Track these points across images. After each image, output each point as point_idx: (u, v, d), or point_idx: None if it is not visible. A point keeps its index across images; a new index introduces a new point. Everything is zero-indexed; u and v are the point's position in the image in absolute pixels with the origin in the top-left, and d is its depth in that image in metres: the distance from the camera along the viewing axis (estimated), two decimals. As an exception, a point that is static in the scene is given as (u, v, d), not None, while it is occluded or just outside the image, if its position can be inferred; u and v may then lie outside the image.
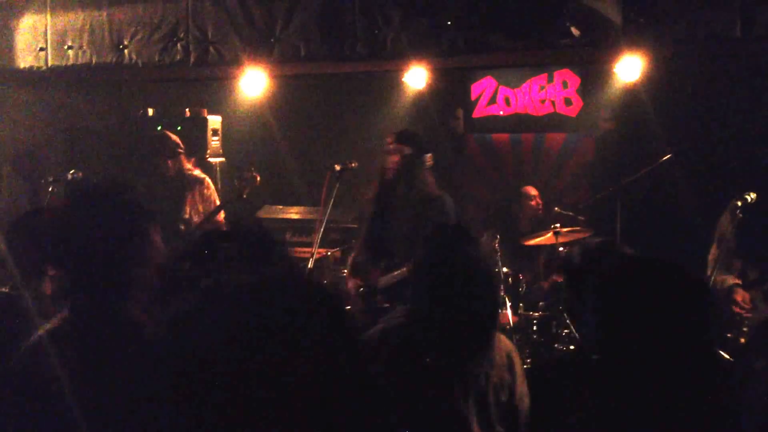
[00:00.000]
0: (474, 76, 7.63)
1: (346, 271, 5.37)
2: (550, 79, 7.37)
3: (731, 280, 4.59)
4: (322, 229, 4.99)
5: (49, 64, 7.19)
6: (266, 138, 7.71)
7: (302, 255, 5.26)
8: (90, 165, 6.77)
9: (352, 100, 7.73)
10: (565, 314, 5.26)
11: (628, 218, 5.65)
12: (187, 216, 5.56)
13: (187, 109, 7.07)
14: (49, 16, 7.13)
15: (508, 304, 5.00)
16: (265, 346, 0.89)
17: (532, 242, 5.79)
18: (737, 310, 4.50)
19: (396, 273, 4.54)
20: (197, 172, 5.84)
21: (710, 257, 4.79)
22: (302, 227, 6.64)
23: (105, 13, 6.96)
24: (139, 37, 6.88)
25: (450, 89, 7.61)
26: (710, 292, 2.89)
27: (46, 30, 7.15)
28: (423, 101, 7.20)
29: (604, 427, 1.96)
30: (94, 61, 7.03)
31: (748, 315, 4.51)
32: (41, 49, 7.18)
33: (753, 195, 4.63)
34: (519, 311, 5.24)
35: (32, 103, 7.72)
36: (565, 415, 2.04)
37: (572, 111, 7.33)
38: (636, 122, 6.74)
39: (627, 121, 6.90)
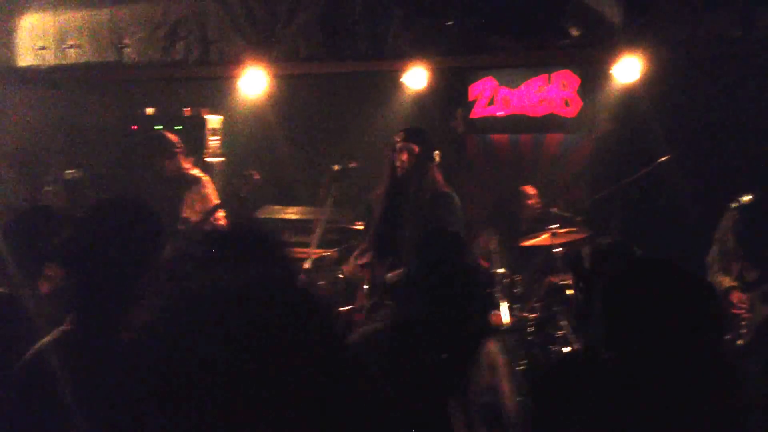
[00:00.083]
0: (473, 76, 7.63)
1: (344, 267, 5.38)
2: (549, 80, 7.36)
3: (728, 282, 4.60)
4: (320, 230, 5.00)
5: (50, 63, 7.19)
6: (266, 137, 7.71)
7: (300, 255, 5.26)
8: (89, 164, 6.78)
9: (351, 100, 7.73)
10: (557, 316, 5.27)
11: (626, 219, 5.66)
12: (185, 215, 5.56)
13: (186, 109, 7.07)
14: (49, 15, 7.14)
15: (504, 304, 5.00)
16: (242, 350, 0.88)
17: (528, 243, 5.79)
18: (735, 311, 4.51)
19: (404, 270, 4.54)
20: (195, 172, 5.84)
21: (709, 259, 4.79)
22: (301, 227, 6.64)
23: (106, 12, 6.97)
24: (139, 36, 6.88)
25: (449, 89, 7.61)
26: (717, 294, 2.91)
27: (46, 29, 7.15)
28: (422, 101, 7.20)
29: (612, 427, 1.97)
30: (94, 60, 7.04)
31: (746, 316, 4.52)
32: (41, 48, 7.18)
33: (750, 196, 4.64)
34: (515, 312, 5.23)
35: (32, 102, 7.73)
36: (568, 414, 2.04)
37: (571, 112, 7.33)
38: (635, 123, 6.74)
39: (626, 122, 6.90)
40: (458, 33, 5.91)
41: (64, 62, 7.14)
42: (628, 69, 5.98)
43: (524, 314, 5.37)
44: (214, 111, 7.23)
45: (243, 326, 0.90)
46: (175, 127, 6.51)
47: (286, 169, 7.49)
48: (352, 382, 0.95)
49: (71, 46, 7.09)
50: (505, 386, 2.68)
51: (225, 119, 7.28)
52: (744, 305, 4.51)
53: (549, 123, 7.43)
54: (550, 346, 5.23)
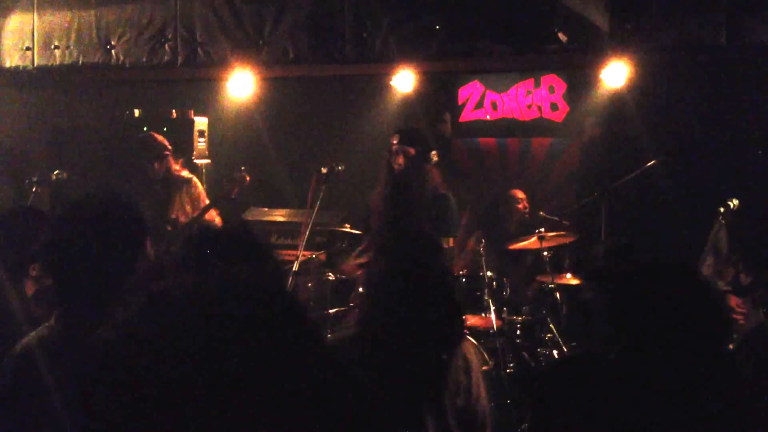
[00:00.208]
0: (461, 80, 7.65)
1: (344, 267, 5.38)
2: (537, 84, 7.40)
3: (722, 287, 4.61)
4: (308, 232, 4.99)
5: (36, 64, 7.15)
6: (253, 140, 7.70)
7: (288, 257, 5.25)
8: (75, 166, 6.74)
9: (339, 103, 7.73)
10: (549, 318, 5.28)
11: (613, 223, 5.68)
12: (174, 216, 5.53)
13: (173, 111, 7.05)
14: (35, 16, 7.09)
15: (492, 308, 5.01)
16: (211, 353, 0.87)
17: (516, 246, 5.81)
18: (734, 316, 4.51)
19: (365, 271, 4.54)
20: (185, 173, 5.82)
21: (704, 268, 4.79)
22: (288, 229, 6.62)
23: (92, 13, 6.93)
24: (126, 37, 6.85)
25: (437, 93, 7.63)
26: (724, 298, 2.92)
27: (32, 30, 7.11)
28: (410, 105, 7.21)
29: (615, 427, 1.97)
30: (80, 62, 7.00)
31: (742, 322, 4.53)
32: (27, 49, 7.13)
33: (736, 201, 4.67)
34: (503, 315, 5.24)
35: (18, 103, 7.68)
36: (570, 415, 2.03)
37: (558, 116, 7.36)
38: (622, 128, 6.78)
39: (613, 126, 6.94)
40: (446, 37, 5.93)
41: (50, 63, 7.10)
42: (615, 74, 6.02)
43: (512, 317, 5.38)
44: (201, 113, 7.21)
45: (221, 327, 0.89)
46: (163, 129, 6.48)
47: (274, 171, 7.48)
48: (326, 387, 0.94)
49: (57, 47, 7.05)
50: (481, 389, 2.66)
51: (211, 121, 7.26)
52: (742, 309, 4.53)
53: (537, 127, 7.45)
54: (539, 349, 5.24)
